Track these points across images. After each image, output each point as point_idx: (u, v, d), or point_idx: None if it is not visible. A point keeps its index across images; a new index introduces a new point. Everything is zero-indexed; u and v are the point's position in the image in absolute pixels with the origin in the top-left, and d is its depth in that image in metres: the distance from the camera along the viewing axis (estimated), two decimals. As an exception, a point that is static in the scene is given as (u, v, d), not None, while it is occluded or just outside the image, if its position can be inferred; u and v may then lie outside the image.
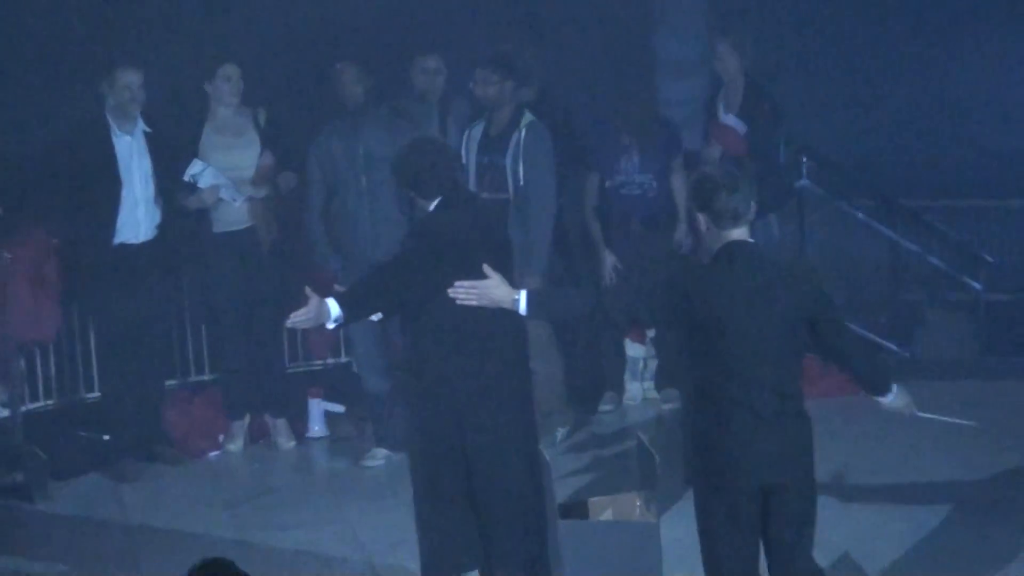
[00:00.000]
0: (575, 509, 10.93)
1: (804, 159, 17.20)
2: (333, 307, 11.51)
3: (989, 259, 17.91)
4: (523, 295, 10.35)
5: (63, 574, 13.06)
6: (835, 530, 12.30)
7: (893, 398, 10.60)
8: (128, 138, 14.77)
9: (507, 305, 10.40)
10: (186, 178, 14.89)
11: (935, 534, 12.99)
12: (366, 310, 12.03)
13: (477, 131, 14.91)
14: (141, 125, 14.80)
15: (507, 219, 14.01)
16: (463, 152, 14.92)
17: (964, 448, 14.50)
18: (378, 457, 14.91)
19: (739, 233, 9.88)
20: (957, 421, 11.64)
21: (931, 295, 17.94)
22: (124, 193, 14.71)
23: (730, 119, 15.70)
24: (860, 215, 17.70)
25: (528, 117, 14.78)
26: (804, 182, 17.35)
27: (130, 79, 14.66)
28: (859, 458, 14.30)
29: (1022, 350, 17.17)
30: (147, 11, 17.37)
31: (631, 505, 10.86)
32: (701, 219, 9.93)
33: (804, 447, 10.04)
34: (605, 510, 10.93)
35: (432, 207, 11.87)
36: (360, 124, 14.49)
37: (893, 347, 17.15)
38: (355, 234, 14.52)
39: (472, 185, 14.59)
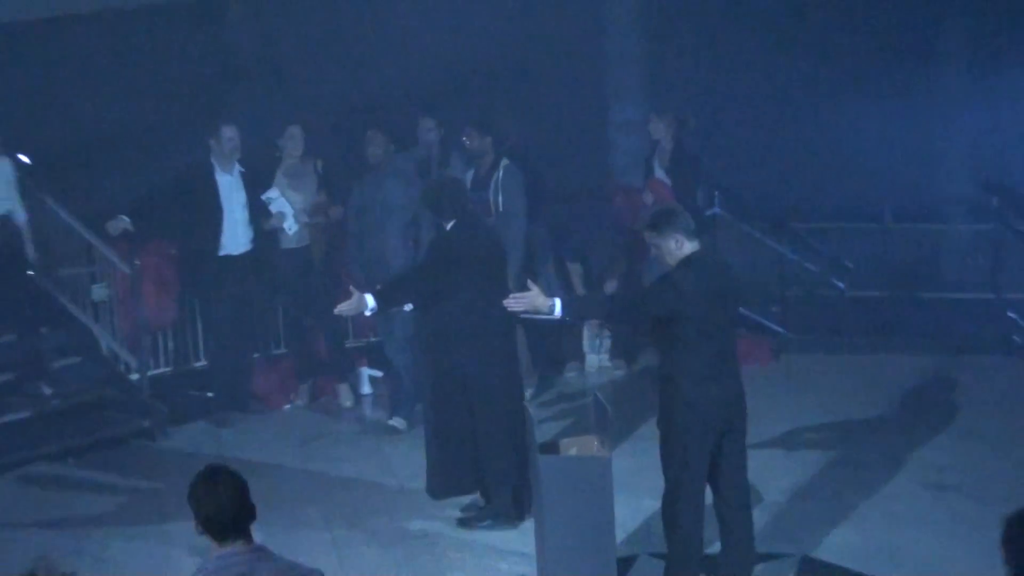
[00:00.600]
0: (549, 447, 10.83)
1: (717, 193, 17.20)
2: (370, 300, 11.88)
3: (849, 266, 17.88)
4: (557, 302, 10.50)
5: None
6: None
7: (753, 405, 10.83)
8: (229, 176, 14.85)
9: (545, 310, 10.50)
10: (263, 198, 15.00)
11: (818, 469, 13.06)
12: (396, 302, 12.45)
13: (469, 174, 14.80)
14: (238, 167, 14.88)
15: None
16: None
17: (835, 406, 14.55)
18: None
19: (696, 244, 10.27)
20: None
21: (808, 292, 17.91)
22: (225, 217, 14.79)
23: (661, 174, 15.77)
24: (757, 234, 17.65)
25: (505, 161, 14.69)
26: (716, 210, 17.34)
27: (231, 133, 14.80)
28: (756, 414, 14.30)
29: (876, 332, 17.19)
30: (240, 86, 17.42)
31: (590, 444, 10.77)
32: (673, 238, 10.21)
33: (743, 398, 10.45)
34: (571, 448, 10.81)
35: (449, 227, 12.14)
36: (381, 176, 14.50)
37: (782, 330, 17.11)
38: (370, 254, 14.56)
39: None
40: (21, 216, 14.95)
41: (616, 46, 19.29)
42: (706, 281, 10.24)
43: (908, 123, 20.25)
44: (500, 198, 14.65)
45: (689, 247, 10.27)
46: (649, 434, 13.42)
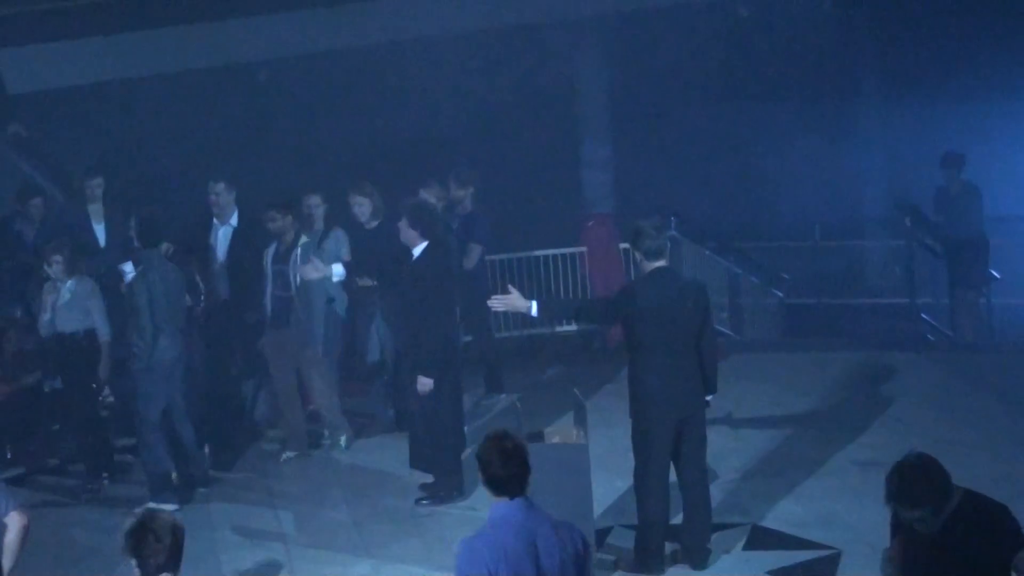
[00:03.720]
0: (536, 436, 10.88)
1: (673, 218, 17.13)
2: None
3: (786, 277, 17.86)
4: (534, 304, 10.67)
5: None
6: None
7: (712, 398, 10.79)
8: (223, 227, 14.31)
9: (524, 310, 10.71)
10: (119, 268, 13.72)
11: (764, 451, 13.08)
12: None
13: (272, 249, 13.71)
14: (233, 221, 14.31)
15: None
16: (266, 263, 13.74)
17: (778, 397, 14.54)
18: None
19: (662, 262, 10.39)
20: None
21: (752, 300, 17.90)
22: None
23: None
24: (708, 252, 17.62)
25: (303, 239, 13.60)
26: (673, 232, 17.24)
27: (219, 189, 14.22)
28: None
29: (810, 334, 17.22)
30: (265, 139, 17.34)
31: (570, 434, 10.82)
32: (637, 255, 10.49)
33: (700, 393, 10.54)
34: (554, 437, 10.85)
35: (418, 251, 12.15)
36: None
37: (730, 332, 17.10)
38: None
39: (270, 284, 13.68)
40: (104, 335, 13.30)
41: (586, 93, 19.26)
42: (661, 294, 10.34)
43: (833, 156, 20.36)
44: (298, 274, 13.53)
45: (651, 264, 10.41)
46: (620, 423, 13.44)
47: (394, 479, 13.06)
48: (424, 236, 12.15)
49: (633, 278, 10.57)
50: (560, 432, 10.98)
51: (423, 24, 17.38)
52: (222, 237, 14.29)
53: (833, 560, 10.66)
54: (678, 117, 20.40)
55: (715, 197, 19.76)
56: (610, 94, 19.37)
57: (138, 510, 6.87)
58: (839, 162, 20.49)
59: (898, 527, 7.02)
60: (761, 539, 11.15)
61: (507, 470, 7.11)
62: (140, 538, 6.85)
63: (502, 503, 7.14)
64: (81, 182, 15.08)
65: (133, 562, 6.89)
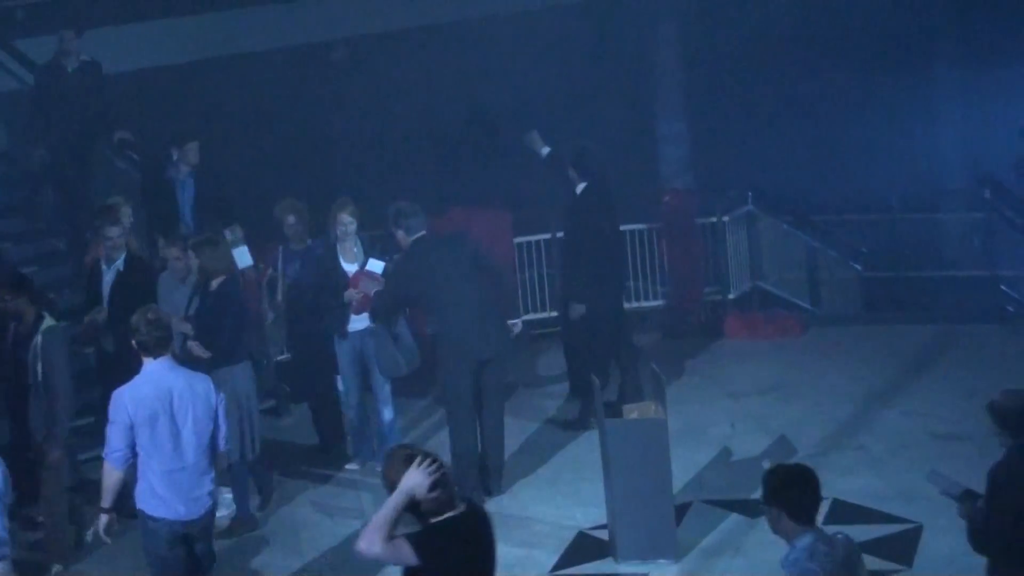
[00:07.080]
0: (614, 411, 10.94)
1: (750, 192, 17.05)
2: None
3: (865, 250, 17.77)
4: None
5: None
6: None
7: (517, 323, 12.09)
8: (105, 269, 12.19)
9: None
10: None
11: (844, 424, 13.05)
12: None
13: (11, 329, 10.97)
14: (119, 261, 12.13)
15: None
16: (6, 344, 10.96)
17: (856, 371, 14.48)
18: None
19: (421, 232, 11.63)
20: None
21: (830, 274, 17.81)
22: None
23: (372, 263, 12.32)
24: (785, 226, 17.53)
25: (48, 323, 10.73)
26: (750, 207, 17.20)
27: (114, 233, 12.13)
28: (789, 378, 14.34)
29: (888, 307, 17.13)
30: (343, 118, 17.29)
31: (649, 409, 10.85)
32: (398, 232, 11.65)
33: (504, 339, 11.72)
34: (632, 412, 10.92)
35: (579, 190, 13.08)
36: None
37: (808, 306, 17.03)
38: None
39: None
40: None
41: (661, 67, 19.18)
42: (428, 256, 11.51)
43: (911, 128, 20.19)
44: (40, 365, 10.72)
45: (411, 237, 11.58)
46: (695, 399, 13.48)
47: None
48: (583, 177, 12.97)
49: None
50: (638, 407, 10.99)
51: (497, 1, 17.37)
52: (107, 282, 12.18)
53: (914, 534, 10.61)
54: (754, 91, 20.27)
55: (792, 171, 19.60)
56: (686, 68, 19.31)
57: None
58: (917, 134, 20.34)
59: None
60: (842, 513, 11.08)
61: (150, 336, 8.98)
62: None
63: (149, 361, 9.03)
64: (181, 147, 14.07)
65: None
